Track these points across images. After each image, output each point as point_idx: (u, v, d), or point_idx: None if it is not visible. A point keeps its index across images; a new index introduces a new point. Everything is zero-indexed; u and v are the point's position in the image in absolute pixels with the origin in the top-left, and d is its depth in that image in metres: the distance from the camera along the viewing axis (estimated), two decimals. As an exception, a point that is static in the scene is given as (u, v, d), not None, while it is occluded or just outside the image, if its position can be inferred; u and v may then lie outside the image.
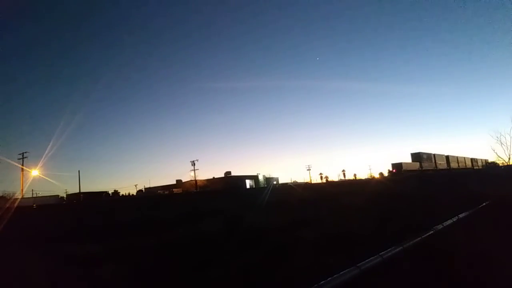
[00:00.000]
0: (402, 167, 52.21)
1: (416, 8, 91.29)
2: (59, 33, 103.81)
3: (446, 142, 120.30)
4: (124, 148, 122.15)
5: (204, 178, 67.58)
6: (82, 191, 53.77)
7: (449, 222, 6.27)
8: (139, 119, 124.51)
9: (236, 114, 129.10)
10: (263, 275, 4.52)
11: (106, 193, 66.35)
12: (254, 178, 68.38)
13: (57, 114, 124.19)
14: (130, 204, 30.45)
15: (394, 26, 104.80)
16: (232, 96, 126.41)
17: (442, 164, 61.64)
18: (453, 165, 64.56)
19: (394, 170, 53.62)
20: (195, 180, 65.25)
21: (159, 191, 63.40)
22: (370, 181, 50.09)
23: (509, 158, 34.02)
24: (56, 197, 53.62)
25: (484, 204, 9.28)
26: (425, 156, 57.50)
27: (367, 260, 3.65)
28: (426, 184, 25.62)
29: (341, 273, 3.25)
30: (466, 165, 69.48)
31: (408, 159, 57.90)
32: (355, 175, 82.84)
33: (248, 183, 65.50)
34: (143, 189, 72.58)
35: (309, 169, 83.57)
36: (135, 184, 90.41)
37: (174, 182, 71.08)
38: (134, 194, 72.62)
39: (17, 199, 38.70)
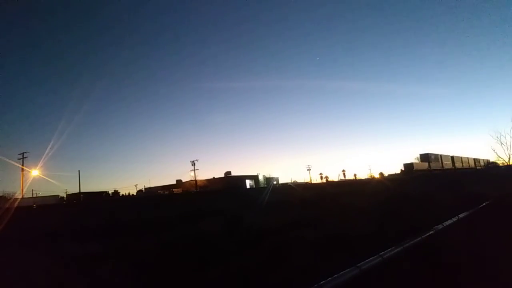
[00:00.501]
0: (413, 167, 55.27)
1: (419, 8, 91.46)
2: (59, 33, 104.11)
3: (447, 142, 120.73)
4: (124, 148, 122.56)
5: (204, 178, 67.59)
6: (82, 191, 53.95)
7: (449, 222, 6.27)
8: (139, 119, 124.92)
9: (236, 114, 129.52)
10: (263, 275, 4.52)
11: (106, 193, 66.22)
12: (254, 178, 68.29)
13: (57, 114, 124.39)
14: (130, 204, 30.51)
15: (394, 26, 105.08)
16: (232, 96, 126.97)
17: (447, 164, 64.06)
18: (458, 165, 66.88)
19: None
20: (195, 180, 65.26)
21: (159, 191, 63.27)
22: (370, 181, 50.56)
23: (509, 158, 34.07)
24: (56, 197, 53.43)
25: (485, 204, 9.30)
26: (432, 157, 60.22)
27: (367, 260, 3.64)
28: (426, 184, 25.62)
29: (341, 273, 3.24)
30: (469, 165, 71.77)
31: (408, 159, 61.20)
32: (355, 175, 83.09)
33: (248, 183, 65.36)
34: (143, 189, 72.47)
35: (309, 169, 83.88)
36: (135, 184, 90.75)
37: (174, 182, 71.10)
38: (134, 194, 72.72)
39: (17, 199, 38.82)
